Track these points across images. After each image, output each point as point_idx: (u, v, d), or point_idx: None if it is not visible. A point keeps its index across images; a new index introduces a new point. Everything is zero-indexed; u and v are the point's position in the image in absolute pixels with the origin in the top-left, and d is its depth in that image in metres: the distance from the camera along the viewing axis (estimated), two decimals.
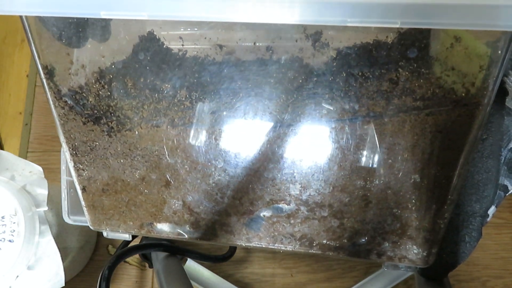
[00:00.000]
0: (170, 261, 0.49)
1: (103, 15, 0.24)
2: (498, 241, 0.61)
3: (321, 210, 0.34)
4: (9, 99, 0.70)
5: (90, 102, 0.32)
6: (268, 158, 0.33)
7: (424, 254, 0.35)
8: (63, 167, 0.49)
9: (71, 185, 0.48)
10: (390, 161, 0.31)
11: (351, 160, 0.32)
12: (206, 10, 0.23)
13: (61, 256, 0.45)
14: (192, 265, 0.56)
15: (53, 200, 0.51)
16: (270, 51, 0.28)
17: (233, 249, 0.56)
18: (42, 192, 0.47)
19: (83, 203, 0.39)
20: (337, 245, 0.36)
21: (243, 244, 0.37)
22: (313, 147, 0.31)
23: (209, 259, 0.55)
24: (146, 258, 0.55)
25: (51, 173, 0.55)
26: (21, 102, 0.70)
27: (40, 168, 0.48)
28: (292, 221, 0.35)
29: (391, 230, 0.34)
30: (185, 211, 0.37)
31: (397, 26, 0.22)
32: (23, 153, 0.68)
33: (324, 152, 0.32)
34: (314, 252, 0.36)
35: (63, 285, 0.45)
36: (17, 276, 0.44)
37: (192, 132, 0.32)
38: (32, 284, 0.44)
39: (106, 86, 0.31)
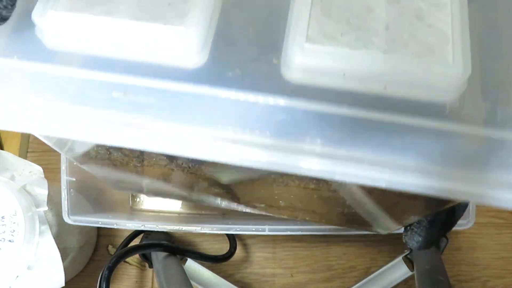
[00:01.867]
0: (170, 261, 0.49)
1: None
2: (498, 241, 0.61)
3: (307, 216, 0.43)
4: None
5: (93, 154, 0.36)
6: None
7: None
8: (63, 167, 0.49)
9: (71, 185, 0.48)
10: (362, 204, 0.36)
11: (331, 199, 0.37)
12: (200, 152, 0.21)
13: (61, 256, 0.45)
14: (192, 265, 0.56)
15: (53, 200, 0.51)
16: None
17: (233, 249, 0.56)
18: (42, 192, 0.47)
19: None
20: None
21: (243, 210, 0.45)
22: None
23: (209, 259, 0.54)
24: (146, 258, 0.55)
25: (51, 173, 0.55)
26: None
27: (40, 168, 0.48)
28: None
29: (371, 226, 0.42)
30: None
31: None
32: (23, 153, 0.68)
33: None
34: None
35: (63, 285, 0.45)
36: (17, 276, 0.44)
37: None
38: (32, 284, 0.44)
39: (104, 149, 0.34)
